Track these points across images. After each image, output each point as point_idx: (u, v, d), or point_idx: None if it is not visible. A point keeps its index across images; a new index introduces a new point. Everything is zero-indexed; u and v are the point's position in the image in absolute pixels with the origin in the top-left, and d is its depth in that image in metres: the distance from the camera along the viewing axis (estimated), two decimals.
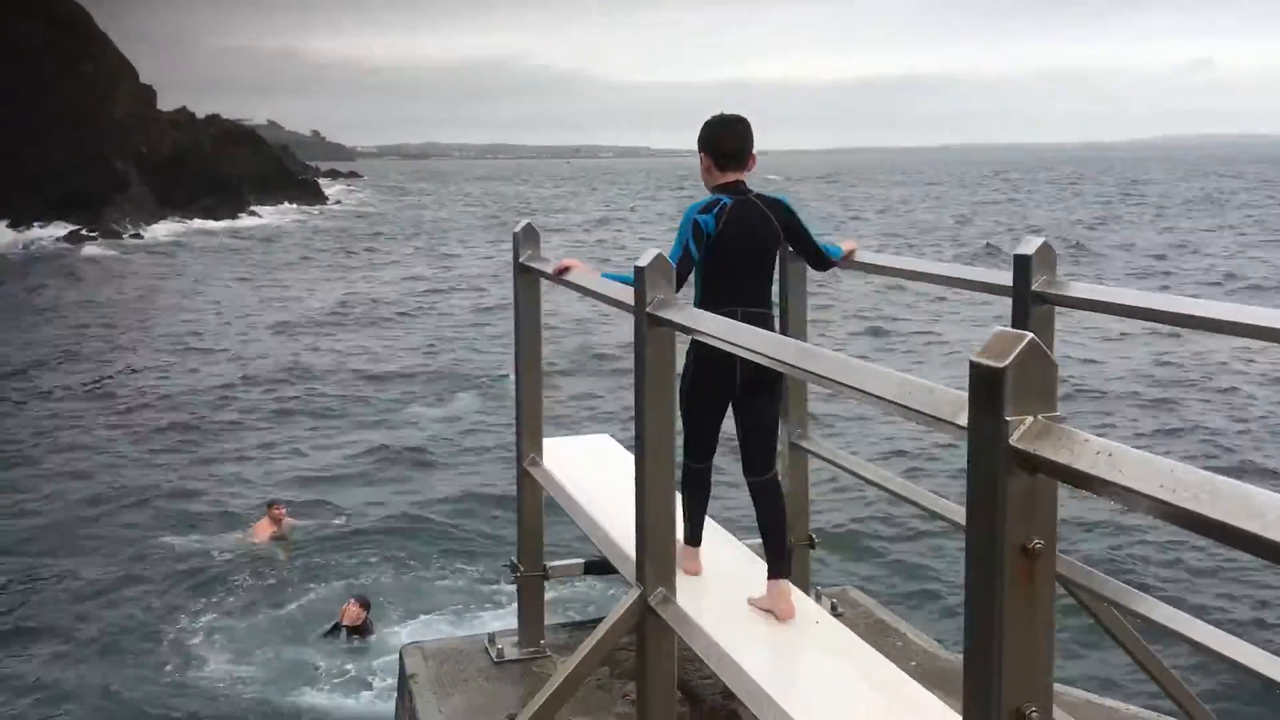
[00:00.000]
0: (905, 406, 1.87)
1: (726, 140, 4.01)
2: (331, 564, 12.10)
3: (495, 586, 11.09)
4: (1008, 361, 1.59)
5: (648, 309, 3.03)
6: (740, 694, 2.68)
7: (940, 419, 1.78)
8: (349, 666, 9.53)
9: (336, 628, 10.11)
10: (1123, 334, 22.80)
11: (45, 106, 54.07)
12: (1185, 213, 66.52)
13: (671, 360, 3.08)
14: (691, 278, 3.99)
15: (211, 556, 12.37)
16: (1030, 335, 1.61)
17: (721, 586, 4.14)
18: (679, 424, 3.28)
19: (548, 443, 4.77)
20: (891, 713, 3.12)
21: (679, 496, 3.70)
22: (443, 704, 4.35)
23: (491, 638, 4.86)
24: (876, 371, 2.00)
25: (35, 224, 53.56)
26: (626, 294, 3.25)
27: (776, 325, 4.23)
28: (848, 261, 4.71)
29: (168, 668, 9.65)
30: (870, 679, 3.37)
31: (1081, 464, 1.48)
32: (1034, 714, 1.65)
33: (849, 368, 2.05)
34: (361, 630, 10.08)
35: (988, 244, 45.62)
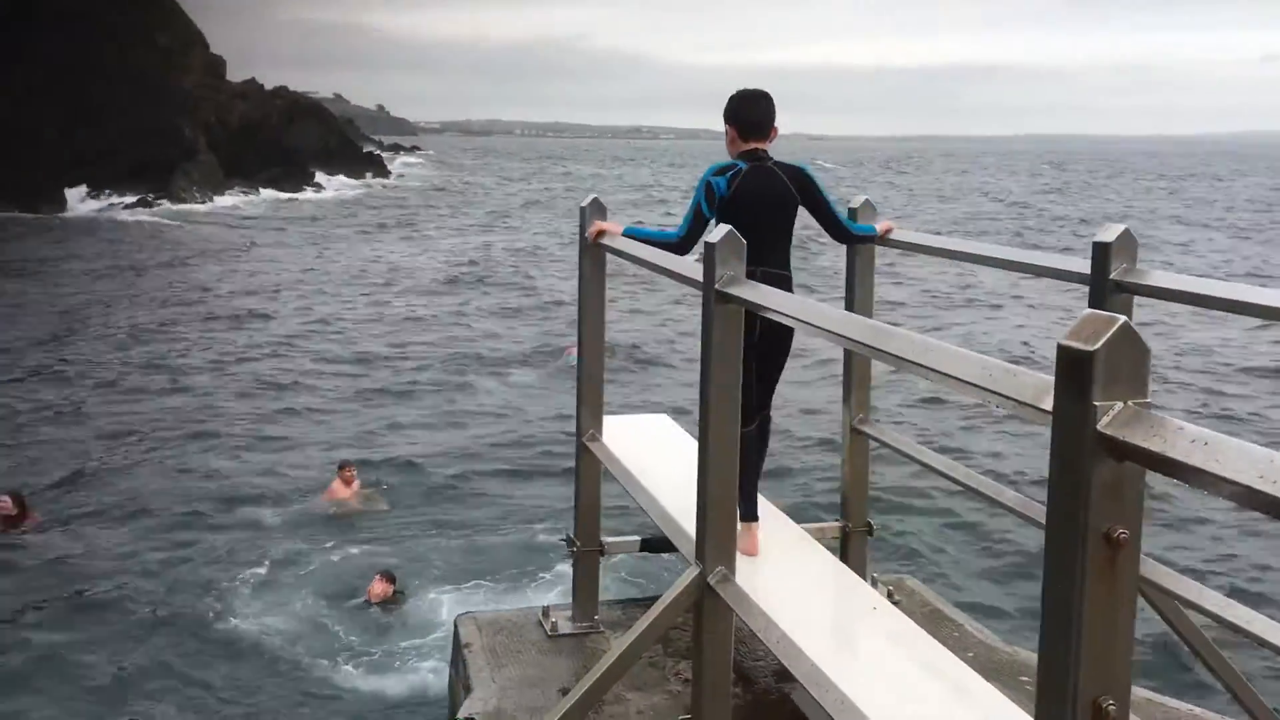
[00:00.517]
0: (987, 389, 1.83)
1: (751, 112, 4.29)
2: (387, 531, 12.23)
3: (544, 559, 11.15)
4: (1098, 345, 1.54)
5: (716, 286, 3.00)
6: (799, 676, 2.65)
7: (1023, 403, 1.74)
8: (380, 639, 9.62)
9: (366, 603, 10.14)
10: (1199, 321, 22.33)
11: (121, 75, 55.02)
12: (1256, 209, 64.88)
13: (739, 338, 3.05)
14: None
15: (274, 518, 12.55)
16: (1123, 319, 1.56)
17: (778, 568, 4.11)
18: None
19: (606, 421, 4.77)
20: (951, 702, 3.08)
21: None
22: (496, 674, 4.38)
23: (545, 611, 4.89)
24: (956, 353, 1.95)
25: (108, 190, 54.57)
26: (695, 271, 3.22)
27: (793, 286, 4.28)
28: (907, 246, 4.67)
29: (206, 632, 9.79)
30: (929, 667, 3.33)
31: (1175, 452, 1.44)
32: (1111, 707, 1.61)
33: (928, 349, 2.00)
34: (387, 604, 10.08)
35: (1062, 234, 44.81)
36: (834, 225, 4.42)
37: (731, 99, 4.37)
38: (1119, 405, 1.55)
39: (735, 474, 3.13)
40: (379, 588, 10.06)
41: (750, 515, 4.22)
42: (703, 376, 3.09)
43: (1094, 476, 1.55)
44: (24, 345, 21.74)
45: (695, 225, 4.11)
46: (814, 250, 29.71)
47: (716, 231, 3.08)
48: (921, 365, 1.98)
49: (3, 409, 17.23)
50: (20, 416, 16.84)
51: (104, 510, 12.82)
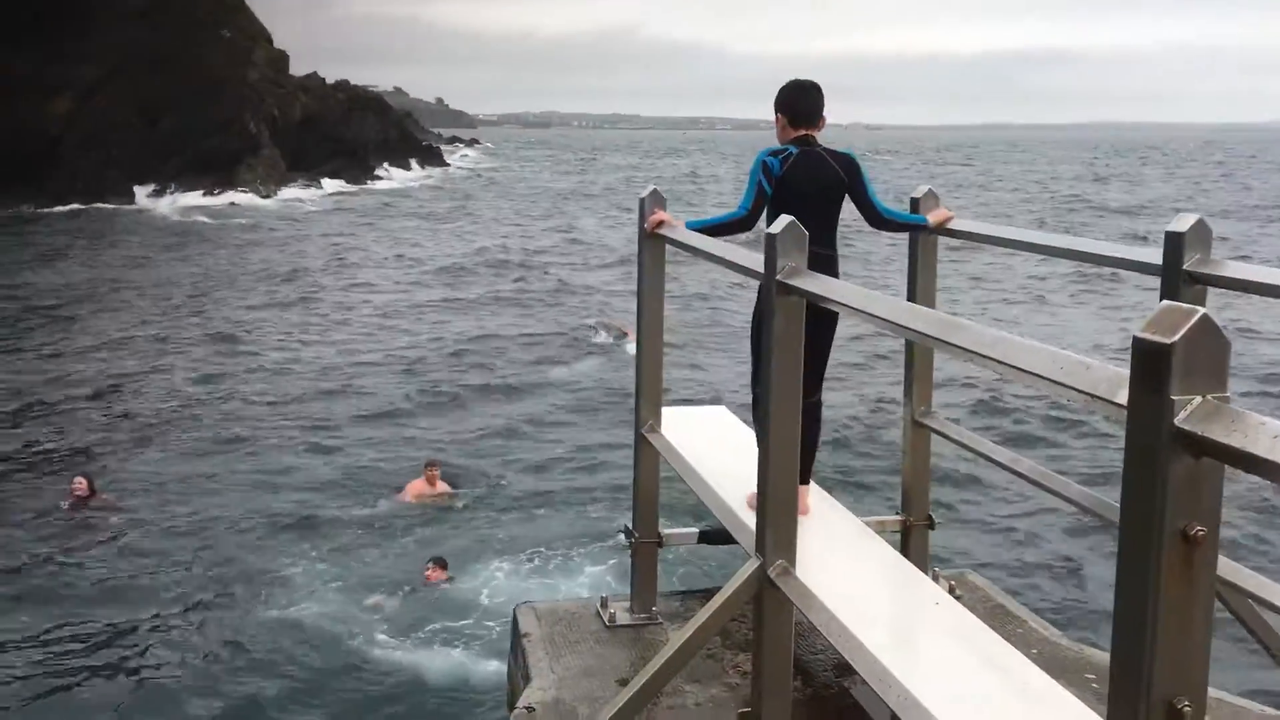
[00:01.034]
0: (1059, 383, 1.79)
1: (801, 102, 4.47)
2: (461, 525, 12.36)
3: (598, 548, 11.20)
4: (1176, 338, 1.50)
5: (778, 277, 2.98)
6: (861, 671, 2.63)
7: (1097, 396, 1.70)
8: (436, 623, 9.76)
9: (419, 586, 10.42)
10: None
11: (187, 71, 55.95)
12: None
13: (800, 330, 3.03)
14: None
15: (352, 510, 12.73)
16: (1202, 311, 1.52)
17: (839, 562, 4.07)
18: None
19: (664, 412, 4.75)
20: (1016, 700, 3.03)
21: (756, 430, 4.09)
22: (554, 664, 4.39)
23: (604, 601, 4.89)
24: (1027, 345, 1.92)
25: (174, 184, 55.54)
26: (756, 261, 3.20)
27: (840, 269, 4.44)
28: (968, 236, 4.59)
29: (269, 615, 9.97)
30: (993, 664, 3.28)
31: (1257, 448, 1.40)
32: (1186, 709, 1.57)
33: (997, 341, 1.97)
34: (441, 590, 10.33)
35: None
36: (872, 212, 4.49)
37: (783, 89, 4.54)
38: (1197, 399, 1.51)
39: (796, 467, 3.10)
40: (434, 574, 10.36)
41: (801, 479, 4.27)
42: (763, 368, 3.06)
43: (1171, 472, 1.52)
44: (102, 333, 22.26)
45: (758, 200, 4.29)
46: (847, 235, 29.51)
47: (777, 222, 3.06)
48: (991, 358, 1.95)
49: (83, 392, 17.69)
50: (98, 400, 17.29)
51: (175, 495, 13.11)
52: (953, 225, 4.54)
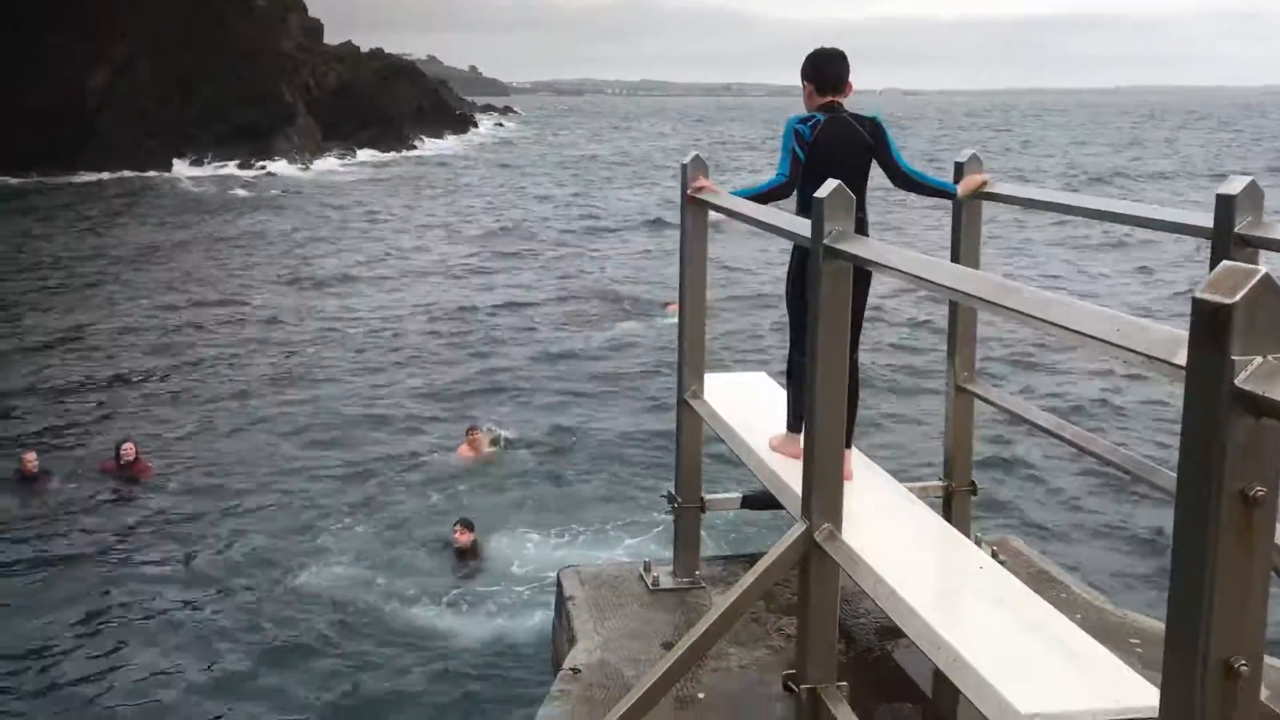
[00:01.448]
0: (1116, 345, 1.79)
1: (827, 70, 4.56)
2: (503, 489, 12.48)
3: (639, 515, 11.28)
4: (1237, 298, 1.50)
5: (825, 241, 2.98)
6: (910, 633, 2.65)
7: (1155, 358, 1.70)
8: (462, 586, 9.89)
9: (450, 549, 10.60)
10: None
11: (221, 41, 56.15)
12: None
13: (848, 295, 3.02)
14: None
15: (396, 475, 12.89)
16: (1264, 271, 1.52)
17: (883, 526, 4.08)
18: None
19: (706, 379, 4.77)
20: (1063, 663, 3.04)
21: (787, 388, 4.59)
22: (599, 626, 4.44)
23: (647, 565, 4.93)
24: (1083, 308, 1.92)
25: (210, 156, 55.90)
26: (802, 226, 3.20)
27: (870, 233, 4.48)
28: (1010, 200, 4.56)
29: (306, 578, 10.14)
30: (1039, 627, 3.29)
31: None
32: (1243, 667, 1.58)
33: (1053, 303, 1.97)
34: (471, 553, 10.51)
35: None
36: (898, 174, 4.56)
37: (809, 58, 4.64)
38: (1258, 360, 1.51)
39: (843, 432, 3.12)
40: (462, 536, 10.50)
41: (796, 428, 4.43)
42: (809, 332, 3.07)
43: (1230, 433, 1.52)
44: (145, 304, 22.55)
45: (794, 165, 4.37)
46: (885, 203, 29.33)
47: (824, 187, 3.05)
48: (1047, 321, 1.95)
49: (128, 357, 17.98)
50: (143, 364, 17.56)
51: (219, 462, 13.31)
52: (996, 189, 4.51)
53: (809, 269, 3.05)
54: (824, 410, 3.06)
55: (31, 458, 12.46)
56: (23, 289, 24.30)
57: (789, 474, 3.75)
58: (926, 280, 2.45)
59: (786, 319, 4.72)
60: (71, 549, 10.78)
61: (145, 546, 10.90)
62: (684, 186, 4.48)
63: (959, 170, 4.58)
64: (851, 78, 4.60)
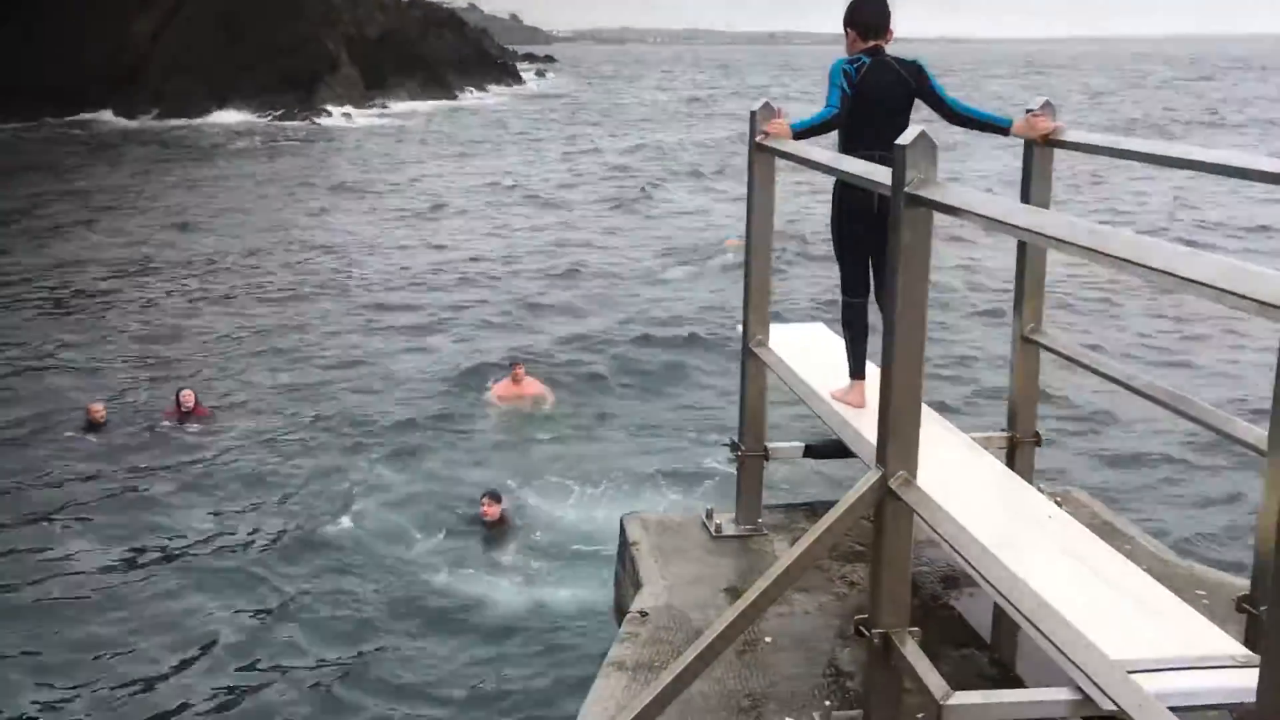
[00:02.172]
0: (1226, 290, 1.77)
1: (869, 15, 4.72)
2: (549, 430, 12.56)
3: (706, 463, 11.32)
4: None
5: (906, 188, 2.96)
6: (991, 580, 2.66)
7: (1268, 304, 1.69)
8: (492, 556, 9.68)
9: (479, 523, 10.09)
10: None
11: None
12: None
13: (928, 243, 3.00)
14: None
15: (439, 414, 13.01)
16: None
17: (950, 476, 4.08)
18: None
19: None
20: (1139, 611, 3.05)
21: (844, 334, 4.73)
22: (664, 570, 4.50)
23: (709, 513, 4.98)
24: (1187, 253, 1.90)
25: (255, 103, 56.11)
26: (881, 173, 3.18)
27: None
28: (1080, 147, 4.50)
29: (349, 526, 10.25)
30: (1111, 578, 3.30)
31: None
32: None
33: (1154, 250, 1.95)
34: (500, 523, 10.01)
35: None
36: (945, 108, 4.71)
37: (851, 4, 4.78)
38: None
39: (920, 380, 3.11)
40: (490, 509, 9.99)
41: (860, 373, 4.68)
42: (889, 281, 3.06)
43: None
44: (198, 256, 22.83)
45: (844, 98, 4.55)
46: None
47: (907, 134, 3.02)
48: (1150, 268, 1.94)
49: (187, 310, 18.26)
50: (194, 310, 17.83)
51: (271, 406, 13.50)
52: (1069, 137, 4.44)
53: (890, 216, 3.03)
54: (902, 358, 3.05)
55: (99, 407, 12.74)
56: (65, 232, 24.71)
57: (860, 422, 3.76)
58: (1018, 227, 2.43)
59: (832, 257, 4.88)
60: (138, 492, 11.03)
61: (199, 489, 11.13)
62: (752, 134, 4.45)
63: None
64: (897, 23, 4.74)
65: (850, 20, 4.76)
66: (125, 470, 11.53)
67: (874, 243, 4.56)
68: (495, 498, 10.11)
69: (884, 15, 4.75)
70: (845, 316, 4.78)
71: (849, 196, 4.58)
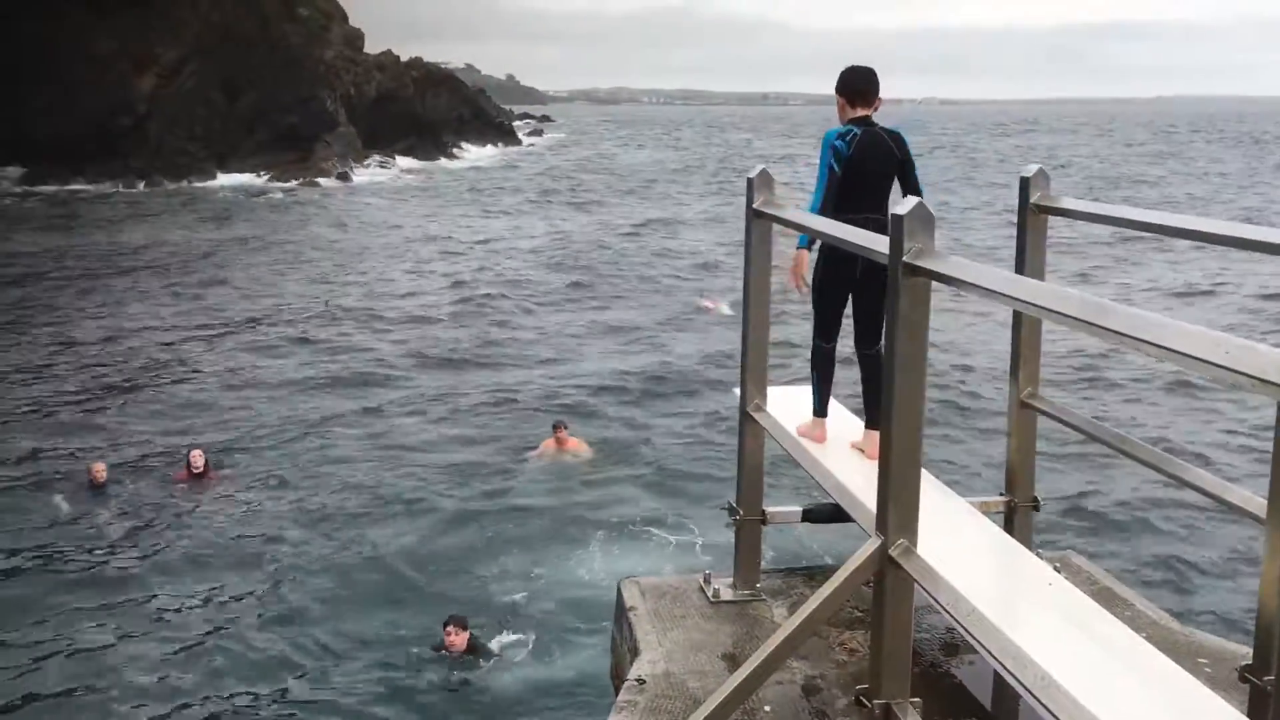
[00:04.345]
0: (1223, 367, 1.79)
1: (859, 84, 5.08)
2: (571, 487, 12.56)
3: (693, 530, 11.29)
4: None
5: (905, 258, 2.98)
6: (993, 650, 2.65)
7: (1267, 381, 1.70)
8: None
9: (442, 651, 9.06)
10: None
11: (265, 48, 56.84)
12: None
13: (926, 313, 3.02)
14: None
15: (475, 475, 13.02)
16: None
17: (949, 542, 4.07)
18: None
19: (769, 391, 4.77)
20: (1144, 682, 3.03)
21: (811, 375, 5.11)
22: (662, 638, 4.46)
23: (706, 577, 4.94)
24: (1185, 329, 1.92)
25: (253, 164, 56.49)
26: (880, 242, 3.21)
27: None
28: (1078, 215, 4.56)
29: (373, 583, 10.20)
30: (1114, 647, 3.28)
31: None
32: None
33: (1153, 324, 1.97)
34: (471, 652, 8.98)
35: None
36: (910, 184, 5.05)
37: (842, 74, 5.15)
38: None
39: (919, 447, 3.12)
40: (458, 639, 8.96)
41: (822, 412, 5.14)
42: (887, 350, 3.07)
43: None
44: (206, 305, 22.90)
45: (830, 183, 4.89)
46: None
47: (903, 203, 3.06)
48: (1146, 342, 1.95)
49: (192, 361, 18.25)
50: (213, 377, 17.82)
51: (288, 467, 13.42)
52: (1063, 204, 4.49)
53: (888, 285, 3.06)
54: (900, 425, 3.06)
55: (101, 467, 12.60)
56: (67, 297, 24.72)
57: (860, 488, 3.76)
58: (1016, 299, 2.45)
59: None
60: (145, 556, 10.92)
61: (213, 553, 11.04)
62: (749, 200, 4.49)
63: (1024, 185, 4.56)
64: (891, 89, 5.03)
65: (841, 88, 5.11)
66: (121, 535, 11.43)
67: (856, 297, 5.07)
68: (461, 624, 9.03)
69: (873, 85, 5.09)
70: (815, 359, 5.17)
71: (834, 256, 4.94)
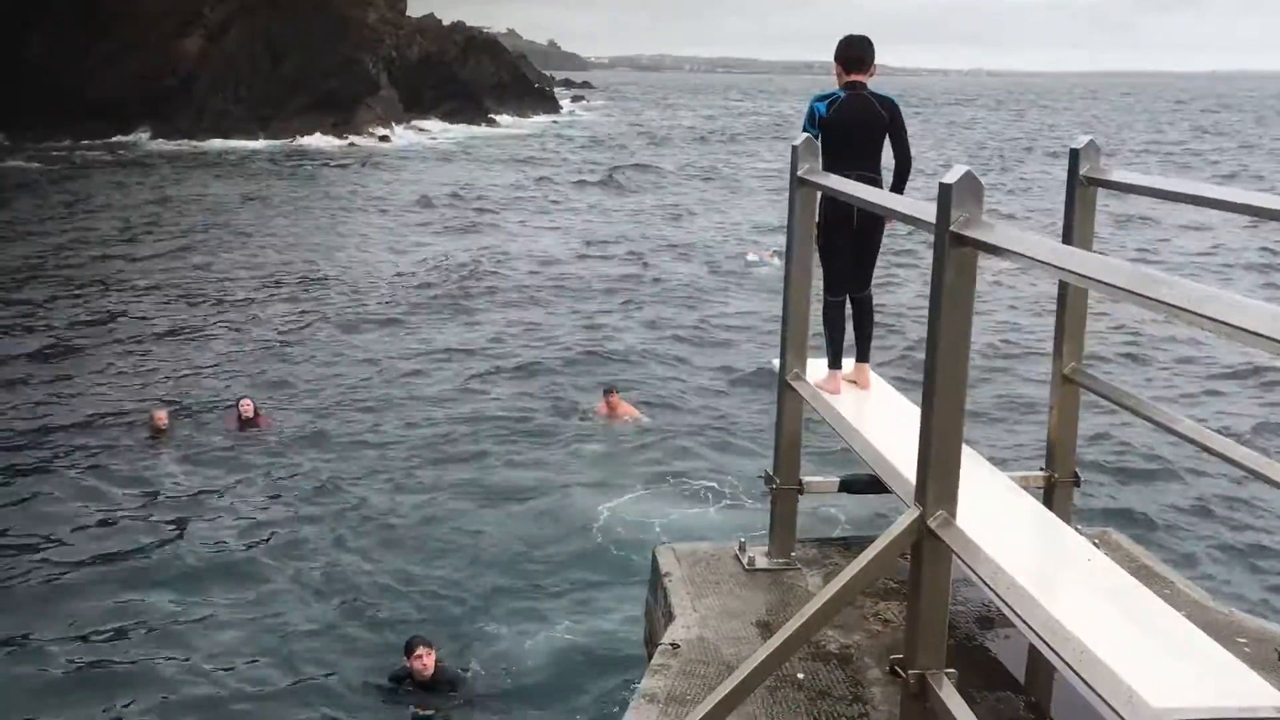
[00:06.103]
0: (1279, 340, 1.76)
1: (852, 52, 5.43)
2: (619, 451, 12.60)
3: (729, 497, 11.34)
4: None
5: (951, 228, 2.95)
6: (1033, 625, 2.63)
7: None
8: (582, 565, 9.79)
9: (406, 678, 8.15)
10: None
11: (308, 11, 56.87)
12: None
13: (972, 283, 2.98)
14: None
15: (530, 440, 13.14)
16: None
17: (988, 516, 4.04)
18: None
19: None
20: (1182, 659, 3.01)
21: (824, 328, 5.35)
22: (697, 603, 4.48)
23: (742, 545, 4.95)
24: (1241, 303, 1.88)
25: (294, 124, 56.72)
26: (927, 211, 3.17)
27: (884, 186, 5.33)
28: (1128, 188, 4.49)
29: (419, 536, 10.35)
30: (1153, 623, 3.26)
31: None
32: None
33: (1210, 298, 1.94)
34: (435, 682, 8.06)
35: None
36: (901, 149, 5.45)
37: (839, 43, 5.50)
38: None
39: (961, 421, 3.09)
40: (423, 663, 8.00)
41: (836, 364, 5.43)
42: (931, 319, 3.04)
43: None
44: (265, 271, 23.15)
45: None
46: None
47: (952, 172, 3.02)
48: (1201, 315, 1.92)
49: (239, 315, 18.53)
50: (268, 330, 18.07)
51: (335, 421, 13.60)
52: (1114, 177, 4.42)
53: (934, 255, 3.03)
54: (943, 398, 3.03)
55: (162, 414, 12.99)
56: (120, 252, 25.07)
57: (899, 459, 3.74)
58: (1068, 270, 2.42)
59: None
60: (200, 500, 11.24)
61: (260, 498, 11.31)
62: (794, 168, 4.45)
63: (1074, 157, 4.49)
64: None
65: (837, 55, 5.48)
66: (185, 476, 11.75)
67: (855, 248, 5.44)
68: (428, 645, 8.13)
69: (865, 52, 5.45)
70: (826, 313, 5.43)
71: (832, 211, 5.22)
